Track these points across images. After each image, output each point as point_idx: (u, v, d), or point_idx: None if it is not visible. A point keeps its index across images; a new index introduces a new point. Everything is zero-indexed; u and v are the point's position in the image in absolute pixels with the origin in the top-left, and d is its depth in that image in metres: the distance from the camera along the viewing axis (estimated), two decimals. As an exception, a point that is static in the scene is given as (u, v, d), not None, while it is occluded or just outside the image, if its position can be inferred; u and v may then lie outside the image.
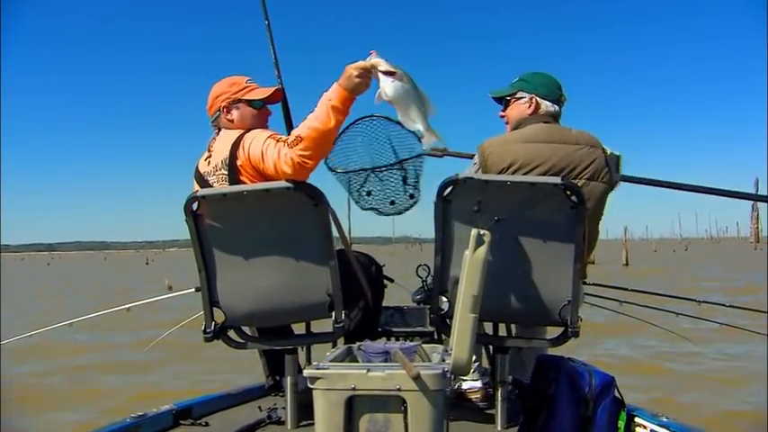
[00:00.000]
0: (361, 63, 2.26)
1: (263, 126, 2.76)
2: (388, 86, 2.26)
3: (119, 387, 6.99)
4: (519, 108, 2.83)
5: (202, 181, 2.68)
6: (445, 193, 2.44)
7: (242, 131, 2.62)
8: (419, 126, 2.33)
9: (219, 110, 2.76)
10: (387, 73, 2.26)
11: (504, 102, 2.91)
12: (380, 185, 3.23)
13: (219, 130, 2.76)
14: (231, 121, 2.74)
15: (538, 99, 2.80)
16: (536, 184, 2.46)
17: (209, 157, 2.69)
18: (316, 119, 2.30)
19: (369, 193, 3.23)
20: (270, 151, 2.41)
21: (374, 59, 2.26)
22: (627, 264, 29.62)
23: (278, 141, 2.40)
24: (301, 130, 2.33)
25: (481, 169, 2.62)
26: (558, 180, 2.43)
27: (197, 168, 2.74)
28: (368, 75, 2.26)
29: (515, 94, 2.85)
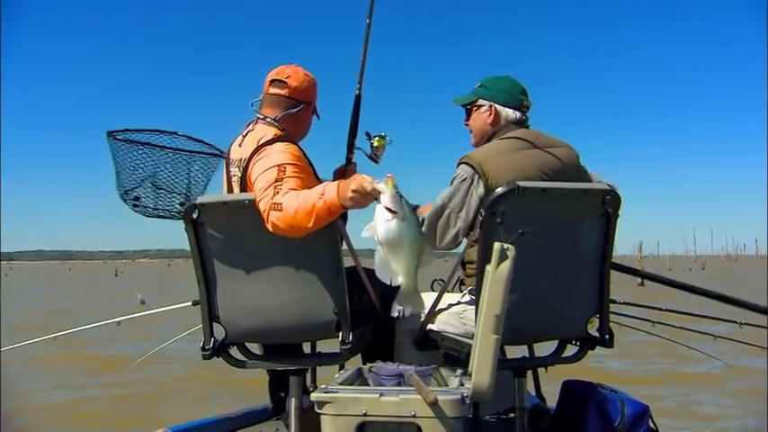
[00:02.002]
0: (365, 182, 2.11)
1: (300, 134, 2.79)
2: (381, 225, 2.07)
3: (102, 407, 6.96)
4: (480, 118, 2.75)
5: (227, 167, 2.69)
6: (494, 207, 2.32)
7: (273, 136, 2.57)
8: (401, 281, 2.13)
9: (307, 104, 2.75)
10: (387, 209, 2.07)
11: (466, 110, 2.82)
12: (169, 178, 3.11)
13: (263, 118, 2.71)
14: (301, 119, 2.74)
15: (497, 107, 2.72)
16: (587, 191, 2.46)
17: (241, 144, 2.65)
18: (302, 203, 2.22)
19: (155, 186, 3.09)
20: (258, 185, 2.38)
21: (380, 186, 2.07)
22: (642, 284, 29.44)
23: (273, 183, 2.34)
24: (288, 201, 2.26)
25: (482, 185, 2.50)
26: (605, 186, 2.44)
27: (230, 149, 2.73)
28: (366, 198, 2.12)
29: (476, 101, 2.77)
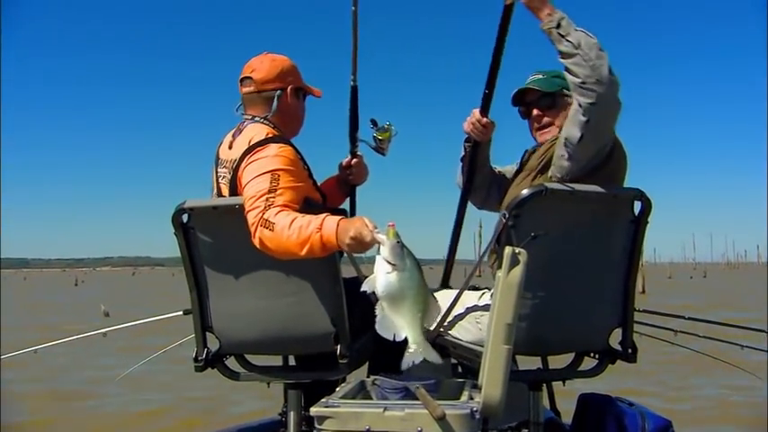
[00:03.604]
0: (364, 230, 2.12)
1: (295, 125, 2.79)
2: (381, 278, 2.05)
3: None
4: (568, 110, 2.58)
5: (216, 168, 2.69)
6: (519, 209, 2.34)
7: (266, 135, 2.56)
8: (406, 334, 2.09)
9: (282, 90, 2.71)
10: (387, 261, 2.06)
11: (546, 100, 2.75)
12: None
13: (251, 117, 2.70)
14: (283, 107, 2.71)
15: None
16: (617, 195, 2.48)
17: (231, 144, 2.64)
18: (298, 234, 2.23)
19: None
20: (249, 192, 2.38)
21: (380, 237, 2.07)
22: (644, 292, 29.57)
23: (266, 194, 2.35)
24: (281, 223, 2.27)
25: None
26: (637, 190, 2.46)
27: (218, 149, 2.72)
28: (364, 246, 2.15)
29: (561, 91, 2.70)
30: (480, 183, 2.98)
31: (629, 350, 2.55)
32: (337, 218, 2.23)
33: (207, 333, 2.64)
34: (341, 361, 2.50)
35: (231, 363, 2.73)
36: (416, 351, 2.09)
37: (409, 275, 2.05)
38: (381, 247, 2.06)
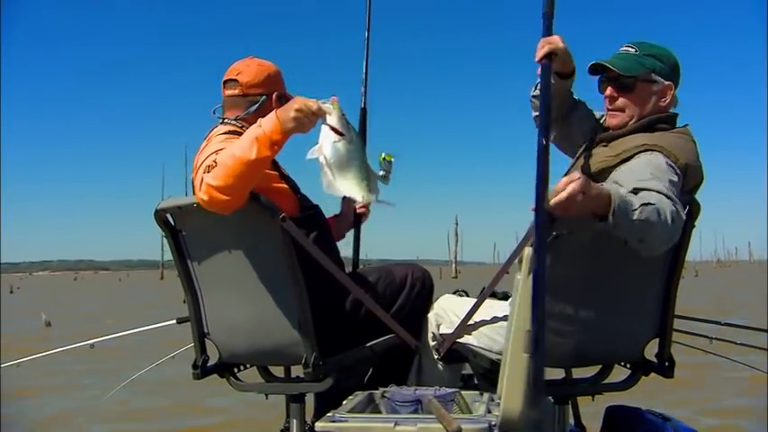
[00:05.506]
0: (309, 101, 2.23)
1: None
2: (327, 146, 2.26)
3: None
4: (651, 98, 2.49)
5: None
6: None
7: (226, 131, 2.63)
8: (353, 194, 2.35)
9: (267, 95, 2.76)
10: (334, 130, 2.24)
11: (625, 82, 2.52)
12: None
13: (223, 120, 2.77)
14: (260, 114, 2.63)
15: (675, 91, 2.52)
16: None
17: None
18: (238, 145, 2.27)
19: None
20: (200, 170, 2.38)
21: (327, 106, 2.23)
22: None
23: (207, 166, 2.35)
24: (223, 155, 2.30)
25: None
26: (688, 195, 2.37)
27: None
28: (311, 118, 2.24)
29: (649, 75, 2.50)
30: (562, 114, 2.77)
31: (667, 363, 2.48)
32: (273, 111, 2.31)
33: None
34: (305, 370, 2.46)
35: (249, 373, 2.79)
36: (366, 199, 2.38)
37: (354, 147, 2.29)
38: (328, 116, 2.24)
